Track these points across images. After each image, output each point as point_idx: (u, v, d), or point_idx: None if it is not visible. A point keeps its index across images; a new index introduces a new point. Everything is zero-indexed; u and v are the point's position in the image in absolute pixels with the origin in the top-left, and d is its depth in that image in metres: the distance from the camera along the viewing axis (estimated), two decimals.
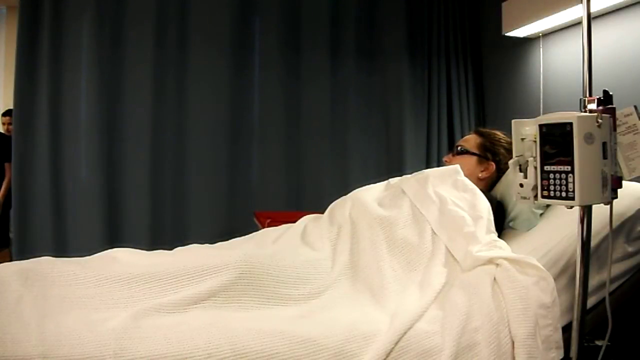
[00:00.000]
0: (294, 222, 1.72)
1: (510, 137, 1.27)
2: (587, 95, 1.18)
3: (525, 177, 1.21)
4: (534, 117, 1.18)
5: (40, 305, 1.11)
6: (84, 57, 2.58)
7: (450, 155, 1.87)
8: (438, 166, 1.86)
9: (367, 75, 3.02)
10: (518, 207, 1.66)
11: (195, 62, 2.70)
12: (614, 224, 1.34)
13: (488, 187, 1.76)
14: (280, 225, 1.75)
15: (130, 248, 1.54)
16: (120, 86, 2.62)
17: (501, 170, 1.80)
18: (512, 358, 1.16)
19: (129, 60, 2.62)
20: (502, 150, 1.79)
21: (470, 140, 1.84)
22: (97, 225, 2.55)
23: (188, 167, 2.71)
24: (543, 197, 1.16)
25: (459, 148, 1.84)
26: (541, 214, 1.65)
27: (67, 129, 2.55)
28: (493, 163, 1.78)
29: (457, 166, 1.69)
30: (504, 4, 2.58)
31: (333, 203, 1.72)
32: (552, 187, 1.14)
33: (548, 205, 1.64)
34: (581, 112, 1.17)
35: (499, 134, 1.85)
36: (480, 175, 1.77)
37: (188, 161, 2.71)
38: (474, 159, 1.79)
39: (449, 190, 1.59)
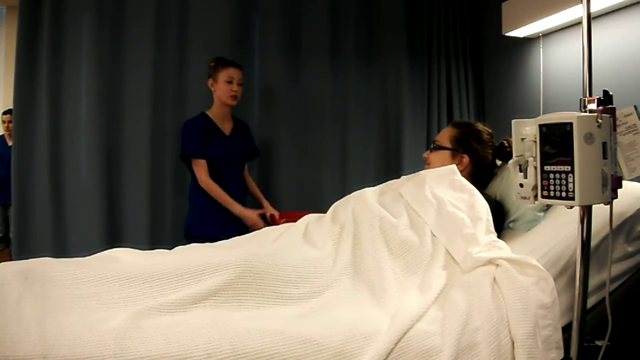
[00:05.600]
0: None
1: (506, 134, 1.27)
2: (587, 95, 1.18)
3: (525, 177, 1.21)
4: (534, 117, 1.18)
5: (40, 305, 1.11)
6: (83, 56, 2.58)
7: (428, 152, 1.87)
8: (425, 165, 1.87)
9: (367, 75, 3.02)
10: (522, 208, 1.66)
11: (195, 61, 2.70)
12: (614, 224, 1.34)
13: (472, 181, 1.71)
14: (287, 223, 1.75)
15: (130, 248, 1.54)
16: (120, 86, 2.62)
17: (477, 162, 1.79)
18: (512, 358, 1.16)
19: (129, 60, 2.62)
20: (475, 143, 1.79)
21: (444, 135, 1.85)
22: (97, 225, 2.54)
23: None
24: (543, 197, 1.16)
25: (434, 143, 1.84)
26: (543, 215, 1.65)
27: (67, 128, 2.55)
28: (465, 155, 1.78)
29: (454, 166, 1.69)
30: (504, 4, 2.58)
31: (336, 202, 1.72)
32: (552, 187, 1.14)
33: (548, 206, 1.64)
34: (581, 112, 1.17)
35: (475, 125, 1.85)
36: None
37: None
38: (447, 153, 1.79)
39: (446, 191, 1.59)
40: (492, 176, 1.86)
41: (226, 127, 2.53)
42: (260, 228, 2.25)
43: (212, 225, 2.40)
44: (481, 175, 1.81)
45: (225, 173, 2.44)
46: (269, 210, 2.53)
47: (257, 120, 2.86)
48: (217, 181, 2.38)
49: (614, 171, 1.14)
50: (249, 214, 2.39)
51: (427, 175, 1.67)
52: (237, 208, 2.38)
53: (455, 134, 1.81)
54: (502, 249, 1.40)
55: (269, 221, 2.46)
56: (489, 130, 1.85)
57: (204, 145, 2.40)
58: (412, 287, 1.34)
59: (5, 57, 5.19)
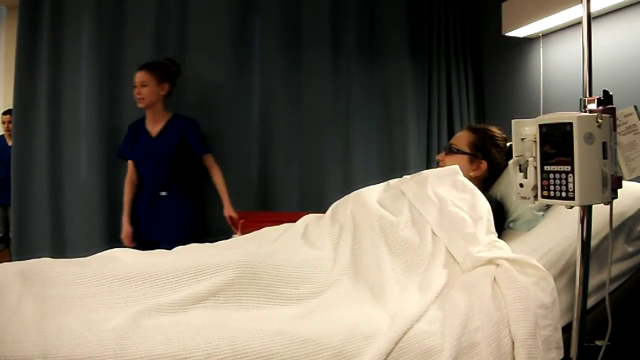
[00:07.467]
0: (277, 223, 1.72)
1: (508, 135, 1.27)
2: (587, 95, 1.18)
3: (525, 177, 1.21)
4: (534, 117, 1.18)
5: (40, 305, 1.11)
6: (83, 56, 2.58)
7: (442, 154, 1.87)
8: (438, 166, 1.86)
9: (368, 75, 3.02)
10: (521, 208, 1.66)
11: (195, 61, 2.70)
12: (614, 224, 1.34)
13: (482, 185, 1.73)
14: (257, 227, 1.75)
15: (130, 248, 1.54)
16: (120, 86, 2.62)
17: (494, 168, 1.79)
18: (512, 358, 1.16)
19: (128, 61, 2.62)
20: (493, 149, 1.79)
21: (462, 138, 1.84)
22: (97, 226, 2.55)
23: None
24: (543, 197, 1.16)
25: (451, 147, 1.84)
26: (542, 215, 1.65)
27: (66, 128, 2.55)
28: (484, 161, 1.78)
29: (456, 166, 1.69)
30: (504, 4, 2.58)
31: (335, 202, 1.72)
32: (552, 187, 1.14)
33: (548, 206, 1.64)
34: (581, 112, 1.17)
35: (492, 130, 1.84)
36: (472, 174, 1.76)
37: None
38: (465, 157, 1.79)
39: (448, 190, 1.59)
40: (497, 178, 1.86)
41: (154, 129, 2.50)
42: (127, 245, 2.39)
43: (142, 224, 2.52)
44: (492, 180, 1.81)
45: (142, 173, 2.52)
46: (227, 211, 2.49)
47: (258, 120, 2.86)
48: (138, 181, 2.53)
49: (614, 171, 1.14)
50: (124, 227, 2.48)
51: (429, 174, 1.67)
52: (123, 217, 2.50)
53: (474, 139, 1.80)
54: (503, 248, 1.40)
55: (228, 222, 2.46)
56: (504, 135, 1.83)
57: (132, 147, 2.51)
58: (412, 286, 1.34)
59: (5, 57, 5.19)
